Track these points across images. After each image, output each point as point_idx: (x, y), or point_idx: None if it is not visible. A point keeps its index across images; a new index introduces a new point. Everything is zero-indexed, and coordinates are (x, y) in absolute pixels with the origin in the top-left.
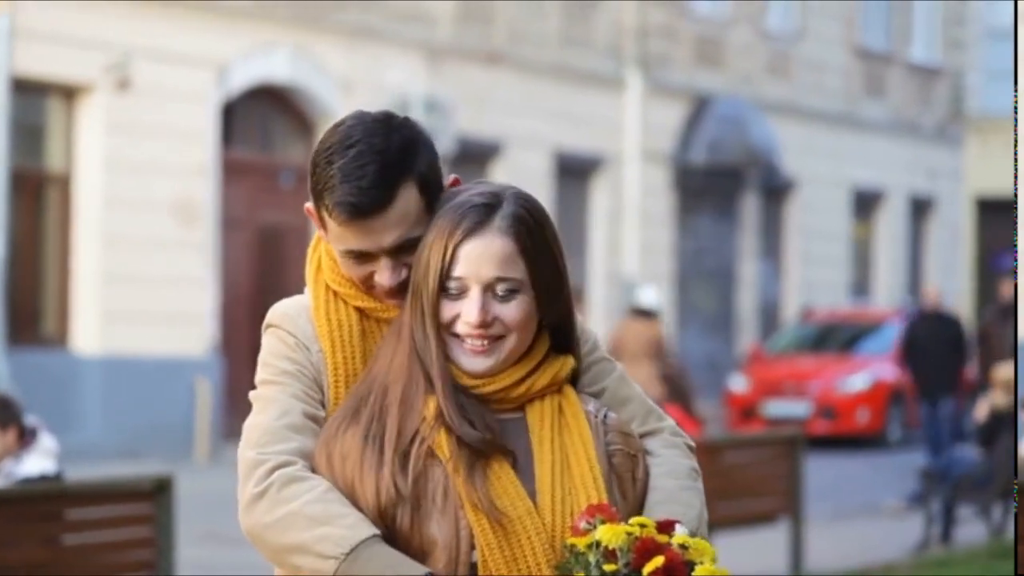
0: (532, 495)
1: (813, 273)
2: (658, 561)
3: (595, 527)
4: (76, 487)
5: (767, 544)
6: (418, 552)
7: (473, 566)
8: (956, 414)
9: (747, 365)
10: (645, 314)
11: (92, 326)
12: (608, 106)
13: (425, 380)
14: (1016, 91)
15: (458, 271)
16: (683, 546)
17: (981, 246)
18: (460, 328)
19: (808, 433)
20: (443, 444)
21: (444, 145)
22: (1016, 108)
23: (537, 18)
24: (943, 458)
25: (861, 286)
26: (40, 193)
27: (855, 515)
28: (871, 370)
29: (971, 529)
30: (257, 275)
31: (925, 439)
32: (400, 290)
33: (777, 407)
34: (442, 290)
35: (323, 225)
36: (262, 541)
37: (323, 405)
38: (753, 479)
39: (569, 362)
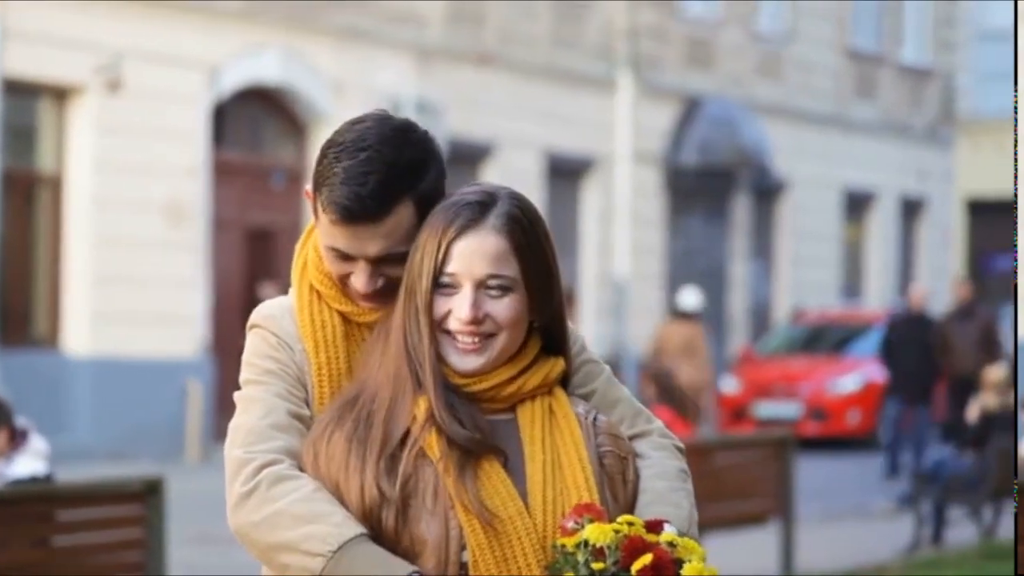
0: (523, 496)
1: (804, 274)
2: (646, 559)
3: (583, 526)
4: (67, 488)
5: (758, 545)
6: (407, 552)
7: (463, 566)
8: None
9: (738, 366)
10: (686, 316)
11: (83, 327)
12: (599, 107)
13: (414, 382)
14: (1016, 91)
15: (451, 267)
16: (671, 544)
17: (972, 247)
18: (452, 324)
19: (799, 434)
20: (434, 444)
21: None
22: (1016, 108)
23: (528, 19)
24: (924, 460)
25: (852, 287)
26: (31, 194)
27: (846, 516)
28: (862, 371)
29: (961, 530)
30: (248, 276)
31: (891, 440)
32: (374, 297)
33: (768, 408)
34: (435, 287)
35: (317, 213)
36: (250, 540)
37: (307, 404)
38: (744, 480)
39: (560, 363)
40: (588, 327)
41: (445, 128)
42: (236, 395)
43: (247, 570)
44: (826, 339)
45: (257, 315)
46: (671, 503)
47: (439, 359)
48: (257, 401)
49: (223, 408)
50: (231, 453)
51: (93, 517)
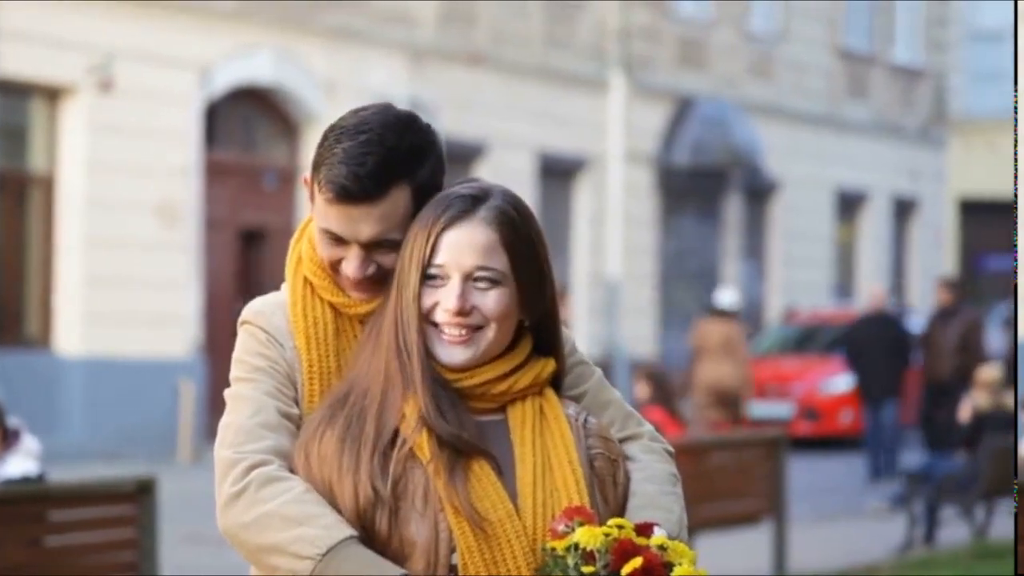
0: (513, 497)
1: (796, 274)
2: (636, 563)
3: (573, 529)
4: (59, 488)
5: (750, 545)
6: (397, 554)
7: (453, 569)
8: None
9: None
10: (724, 314)
11: (75, 327)
12: (591, 107)
13: (404, 380)
14: (1016, 90)
15: (439, 259)
16: (661, 547)
17: (964, 247)
18: (439, 316)
19: (791, 434)
20: (424, 446)
21: None
22: (1016, 108)
23: (520, 19)
24: (889, 461)
25: (844, 287)
26: (23, 195)
27: (838, 516)
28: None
29: (954, 530)
30: (240, 276)
31: (868, 442)
32: (364, 285)
33: (760, 408)
34: (424, 279)
35: (313, 197)
36: (239, 541)
37: (296, 403)
38: (736, 480)
39: (551, 364)
40: (580, 327)
41: (437, 128)
42: (226, 393)
43: (239, 570)
44: (818, 339)
45: (248, 311)
46: (661, 507)
47: (428, 353)
48: (246, 399)
49: (215, 408)
50: (220, 453)
51: (85, 517)
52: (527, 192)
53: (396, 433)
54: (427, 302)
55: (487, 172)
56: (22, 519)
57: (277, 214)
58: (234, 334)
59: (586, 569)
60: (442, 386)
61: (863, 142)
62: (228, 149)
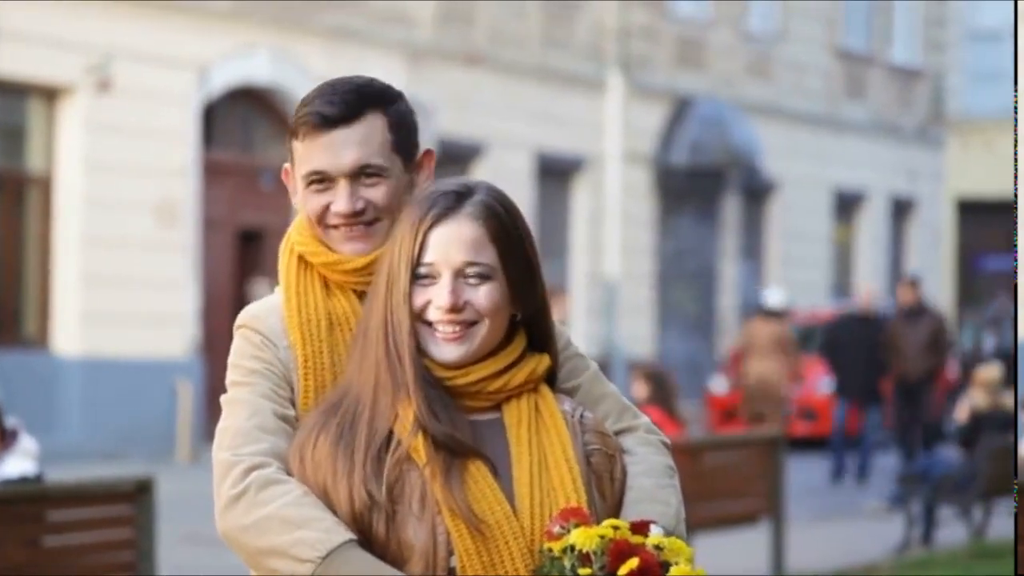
0: (510, 498)
1: (794, 274)
2: (632, 563)
3: (569, 531)
4: (57, 489)
5: (748, 545)
6: (395, 557)
7: (451, 571)
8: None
9: (728, 366)
10: (773, 314)
11: (73, 327)
12: (589, 107)
13: (395, 383)
14: (1016, 90)
15: (428, 257)
16: (658, 547)
17: (962, 247)
18: (432, 314)
19: (789, 434)
20: (420, 448)
21: (426, 146)
22: (1016, 108)
23: (518, 19)
24: (865, 464)
25: (842, 287)
26: (21, 194)
27: (836, 516)
28: None
29: (952, 531)
30: (238, 276)
31: (837, 442)
32: (355, 229)
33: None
34: (413, 278)
35: (292, 162)
36: (238, 543)
37: (293, 404)
38: (734, 480)
39: (545, 359)
40: (578, 326)
41: (435, 128)
42: (223, 398)
43: (238, 571)
44: (816, 339)
45: (243, 315)
46: (659, 500)
47: (420, 352)
48: (243, 402)
49: (213, 408)
50: (218, 455)
51: (83, 517)
52: (525, 192)
53: (389, 437)
54: (418, 301)
55: (485, 172)
56: (20, 519)
57: (275, 214)
58: (233, 334)
59: (582, 571)
60: (435, 387)
61: (861, 142)
62: (226, 149)
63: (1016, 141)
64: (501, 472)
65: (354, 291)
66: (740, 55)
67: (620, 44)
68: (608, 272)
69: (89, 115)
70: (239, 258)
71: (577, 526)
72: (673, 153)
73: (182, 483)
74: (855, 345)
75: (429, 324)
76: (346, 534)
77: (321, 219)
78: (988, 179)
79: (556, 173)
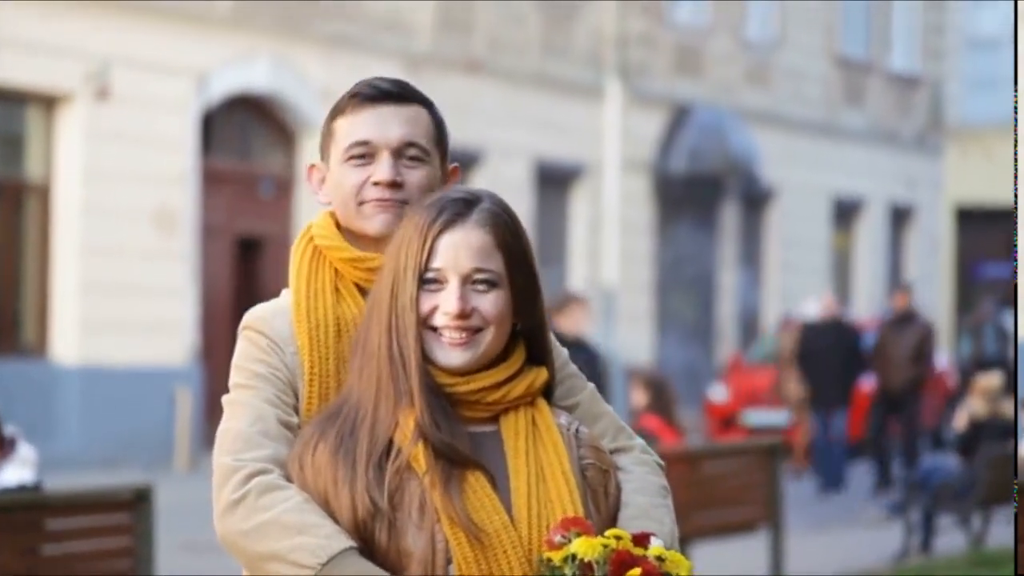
0: (508, 508)
1: (793, 282)
2: (635, 573)
3: (570, 540)
4: (55, 497)
5: (747, 553)
6: (394, 565)
7: None
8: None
9: (727, 374)
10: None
11: (71, 335)
12: (588, 115)
13: (397, 390)
14: (1016, 91)
15: (437, 262)
16: (659, 558)
17: (960, 255)
18: (438, 320)
19: (788, 442)
20: (420, 457)
21: None
22: (1016, 108)
23: (516, 27)
24: (837, 474)
25: (841, 295)
26: (20, 202)
27: (835, 524)
28: None
29: (951, 539)
30: (237, 284)
31: (816, 451)
32: (389, 203)
33: (757, 416)
34: (420, 283)
35: (330, 143)
36: (238, 548)
37: (296, 411)
38: (733, 488)
39: (544, 373)
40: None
41: None
42: (224, 399)
43: None
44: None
45: (249, 317)
46: (654, 519)
47: (425, 358)
48: (246, 406)
49: (212, 416)
50: (220, 459)
51: (82, 526)
52: (524, 199)
53: (390, 445)
54: (424, 307)
55: (484, 179)
56: (18, 528)
57: (274, 222)
58: (231, 341)
59: None
60: (437, 395)
61: (859, 149)
62: (225, 157)
63: (1016, 141)
64: (499, 483)
65: (362, 289)
66: (739, 62)
67: (619, 51)
68: (607, 279)
69: (88, 123)
70: (238, 266)
71: (579, 535)
72: (672, 160)
73: (181, 491)
74: (825, 353)
75: (434, 330)
76: (346, 541)
77: (357, 192)
78: (987, 187)
79: (555, 180)
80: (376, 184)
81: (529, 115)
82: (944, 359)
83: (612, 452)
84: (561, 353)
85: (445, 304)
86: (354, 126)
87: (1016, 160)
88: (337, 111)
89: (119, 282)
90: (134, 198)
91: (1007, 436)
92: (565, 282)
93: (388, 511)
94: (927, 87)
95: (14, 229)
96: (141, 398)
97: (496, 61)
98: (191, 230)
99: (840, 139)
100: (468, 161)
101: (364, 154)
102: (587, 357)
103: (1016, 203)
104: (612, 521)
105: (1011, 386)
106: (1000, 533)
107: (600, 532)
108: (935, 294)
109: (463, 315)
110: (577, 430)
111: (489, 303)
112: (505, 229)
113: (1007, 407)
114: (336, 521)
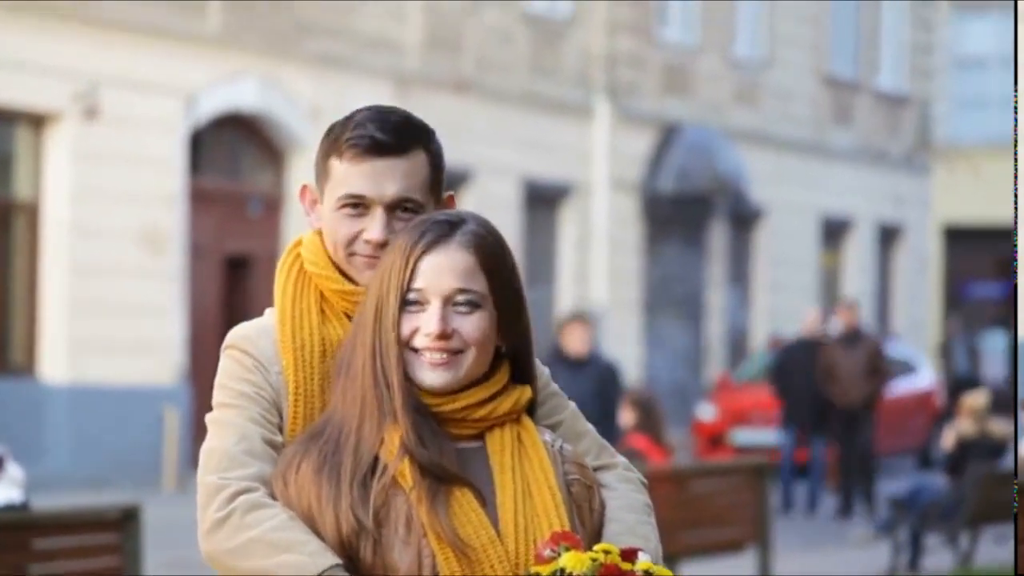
0: (495, 523)
1: (781, 301)
2: None
3: (559, 554)
4: (43, 516)
5: (735, 572)
6: None
7: None
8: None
9: (715, 393)
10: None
11: (60, 355)
12: (576, 134)
13: (382, 410)
14: (1016, 91)
15: (418, 283)
16: (648, 573)
17: (948, 274)
18: (419, 341)
19: (775, 461)
20: (406, 473)
21: None
22: (1016, 107)
23: (505, 46)
24: (814, 493)
25: (829, 314)
26: (7, 222)
27: (823, 543)
28: None
29: (938, 558)
30: (225, 304)
31: (783, 470)
32: (383, 248)
33: (745, 435)
34: (402, 304)
35: (325, 180)
36: (223, 566)
37: (280, 430)
38: (721, 507)
39: (528, 391)
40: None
41: None
42: (208, 417)
43: None
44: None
45: (233, 335)
46: (640, 535)
47: (407, 379)
48: (231, 425)
49: (200, 435)
50: (205, 478)
51: (69, 545)
52: (512, 219)
53: (375, 462)
54: (406, 328)
55: (472, 199)
56: (6, 547)
57: (262, 241)
58: (219, 361)
59: None
60: (422, 413)
61: (848, 169)
62: (213, 176)
63: (1016, 141)
64: (485, 498)
65: (348, 316)
66: (727, 82)
67: (607, 71)
68: (595, 299)
69: (76, 142)
70: (226, 285)
71: (568, 550)
72: (660, 180)
73: (169, 510)
74: (801, 372)
75: (416, 351)
76: (332, 558)
77: (348, 244)
78: (975, 206)
79: (543, 200)
80: (367, 242)
81: (517, 134)
82: (933, 378)
83: (596, 470)
84: (542, 373)
85: (426, 325)
86: (349, 177)
87: (1016, 158)
88: (333, 149)
89: (107, 301)
90: (122, 217)
91: (995, 455)
92: (553, 301)
93: (373, 529)
94: (915, 106)
95: (2, 248)
96: (129, 417)
97: (485, 81)
98: (179, 249)
99: (828, 158)
100: (457, 180)
101: (357, 204)
102: (600, 374)
103: (1016, 201)
104: (597, 537)
105: (1009, 395)
106: (988, 552)
107: (586, 548)
108: (923, 313)
109: (443, 336)
110: (561, 447)
111: (471, 325)
112: (489, 250)
113: (994, 426)
114: (320, 537)
